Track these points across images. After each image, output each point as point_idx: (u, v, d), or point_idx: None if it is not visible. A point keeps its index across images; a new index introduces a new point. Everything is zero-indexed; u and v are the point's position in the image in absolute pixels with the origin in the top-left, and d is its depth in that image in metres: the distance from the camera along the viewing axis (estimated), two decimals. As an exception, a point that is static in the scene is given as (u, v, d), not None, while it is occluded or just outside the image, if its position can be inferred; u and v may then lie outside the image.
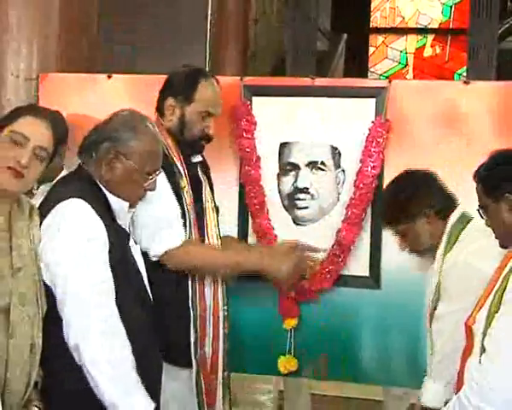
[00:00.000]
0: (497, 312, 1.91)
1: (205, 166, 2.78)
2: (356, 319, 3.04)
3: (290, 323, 3.05)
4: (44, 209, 2.13)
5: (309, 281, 3.01)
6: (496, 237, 2.13)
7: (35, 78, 3.34)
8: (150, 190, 2.30)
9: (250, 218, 3.07)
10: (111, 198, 2.22)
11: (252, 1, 8.34)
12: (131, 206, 2.30)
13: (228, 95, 3.00)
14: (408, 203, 2.52)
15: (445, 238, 2.48)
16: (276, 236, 3.05)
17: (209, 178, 2.78)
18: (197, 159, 2.71)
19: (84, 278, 2.05)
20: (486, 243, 2.21)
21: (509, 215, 2.04)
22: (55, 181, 2.39)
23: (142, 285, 2.27)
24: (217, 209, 2.74)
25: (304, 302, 3.05)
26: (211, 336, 2.59)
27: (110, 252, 2.11)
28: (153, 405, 2.07)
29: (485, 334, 1.93)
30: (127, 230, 2.30)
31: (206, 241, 2.63)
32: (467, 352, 2.03)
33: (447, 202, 2.55)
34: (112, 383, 2.01)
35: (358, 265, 3.03)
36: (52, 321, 2.05)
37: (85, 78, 3.31)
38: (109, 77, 3.26)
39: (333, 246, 3.01)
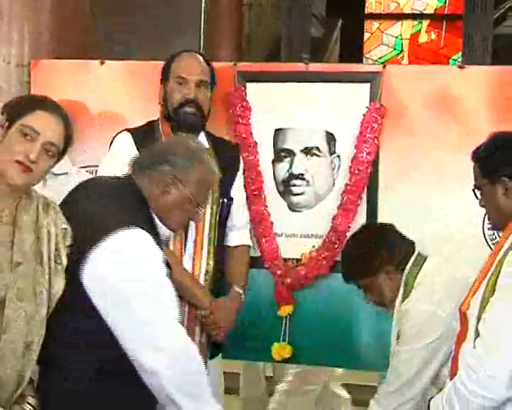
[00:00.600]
0: (491, 297, 1.90)
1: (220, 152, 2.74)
2: (351, 306, 3.04)
3: (286, 310, 3.05)
4: (95, 224, 2.03)
5: (305, 267, 3.01)
6: (488, 219, 2.14)
7: (26, 64, 3.32)
8: (193, 221, 2.33)
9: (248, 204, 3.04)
10: (158, 223, 2.16)
11: (246, -14, 8.30)
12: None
13: (222, 81, 2.99)
14: (368, 259, 2.53)
15: (401, 289, 2.50)
16: (271, 222, 3.04)
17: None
18: None
19: (157, 302, 1.99)
20: (438, 281, 2.33)
21: (504, 198, 2.04)
22: (93, 179, 2.36)
23: None
24: (225, 205, 2.75)
25: (299, 289, 3.04)
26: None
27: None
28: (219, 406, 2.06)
29: (479, 319, 1.92)
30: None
31: (188, 243, 2.65)
32: (461, 337, 2.02)
33: (406, 253, 2.53)
34: (184, 395, 1.96)
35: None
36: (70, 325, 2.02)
37: (78, 64, 3.28)
38: (102, 63, 3.23)
39: (328, 232, 3.00)
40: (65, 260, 2.07)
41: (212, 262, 2.68)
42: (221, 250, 2.75)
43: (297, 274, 3.02)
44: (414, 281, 2.47)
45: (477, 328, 1.92)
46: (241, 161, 2.89)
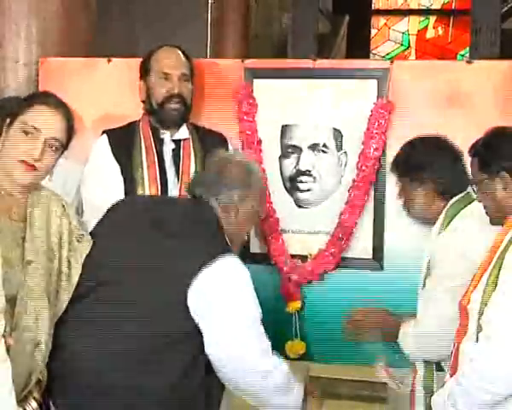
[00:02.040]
0: (493, 292, 1.90)
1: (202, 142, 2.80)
2: (359, 301, 3.03)
3: (294, 306, 3.05)
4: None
5: (312, 263, 3.01)
6: (486, 214, 2.12)
7: (35, 62, 3.33)
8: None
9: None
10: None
11: (253, -18, 8.29)
12: None
13: (229, 77, 3.01)
14: (410, 159, 2.53)
15: (441, 216, 2.46)
16: (278, 219, 3.04)
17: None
18: (165, 135, 2.75)
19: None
20: (478, 225, 2.21)
21: (503, 194, 2.03)
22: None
23: None
24: None
25: (307, 285, 3.04)
26: None
27: None
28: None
29: (480, 314, 1.92)
30: None
31: None
32: (461, 331, 2.01)
33: (458, 185, 2.50)
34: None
35: (361, 247, 3.02)
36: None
37: (85, 62, 3.29)
38: (109, 61, 3.24)
39: (335, 228, 3.00)
40: (76, 269, 2.08)
41: None
42: None
43: (304, 270, 3.02)
44: (456, 214, 2.44)
45: (479, 323, 1.91)
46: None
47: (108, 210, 2.29)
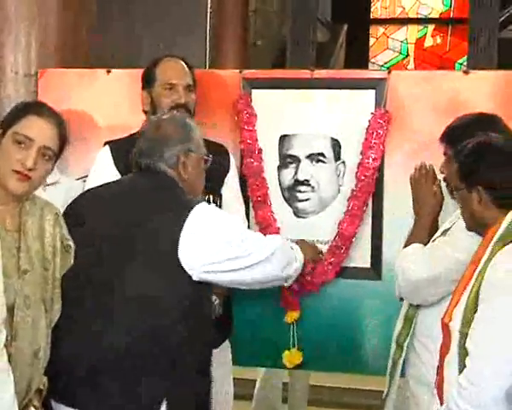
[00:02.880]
0: (474, 309, 1.88)
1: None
2: (358, 311, 3.04)
3: (292, 316, 3.05)
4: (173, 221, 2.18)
5: (311, 274, 3.01)
6: (464, 221, 2.13)
7: (34, 73, 3.34)
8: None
9: (252, 210, 3.05)
10: None
11: (251, -8, 8.32)
12: None
13: (227, 88, 3.03)
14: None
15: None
16: (278, 228, 3.05)
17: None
18: None
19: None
20: None
21: (478, 207, 2.03)
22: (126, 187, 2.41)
23: None
24: (211, 202, 2.76)
25: (305, 295, 3.04)
26: None
27: None
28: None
29: (461, 333, 1.90)
30: None
31: None
32: (444, 349, 1.99)
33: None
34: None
35: (360, 256, 3.03)
36: None
37: (84, 73, 3.30)
38: (108, 72, 3.25)
39: (334, 238, 3.00)
40: (59, 276, 2.10)
41: None
42: None
43: (303, 280, 3.02)
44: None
45: (461, 343, 1.89)
46: (233, 162, 2.91)
47: (69, 211, 2.30)
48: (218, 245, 2.20)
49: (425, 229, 2.54)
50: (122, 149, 2.69)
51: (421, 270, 2.39)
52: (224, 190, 2.82)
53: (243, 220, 2.91)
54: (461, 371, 1.89)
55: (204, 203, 2.28)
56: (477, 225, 2.07)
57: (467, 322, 1.89)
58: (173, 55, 2.86)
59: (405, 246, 2.54)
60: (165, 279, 2.13)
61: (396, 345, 2.57)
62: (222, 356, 2.80)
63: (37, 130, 2.00)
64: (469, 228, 2.13)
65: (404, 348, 2.52)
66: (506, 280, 1.85)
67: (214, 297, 2.68)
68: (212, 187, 2.76)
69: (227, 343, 2.86)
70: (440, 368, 2.02)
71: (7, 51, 3.37)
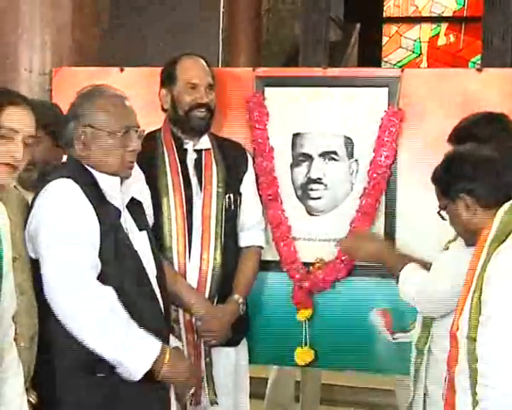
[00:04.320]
0: (479, 313, 1.86)
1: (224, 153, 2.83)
2: (370, 309, 3.04)
3: (304, 314, 3.05)
4: (37, 193, 2.18)
5: (324, 271, 3.02)
6: (461, 237, 2.17)
7: (48, 72, 3.36)
8: (136, 150, 2.29)
9: (264, 208, 3.05)
10: (99, 177, 2.23)
11: (264, -9, 8.33)
12: (123, 176, 2.29)
13: (240, 86, 3.03)
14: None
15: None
16: (290, 226, 3.05)
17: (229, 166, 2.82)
18: (188, 145, 2.77)
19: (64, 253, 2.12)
20: None
21: (467, 214, 2.07)
22: None
23: (137, 263, 2.26)
24: (232, 201, 2.77)
25: (317, 293, 3.05)
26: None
27: (101, 230, 2.16)
28: (158, 347, 2.14)
29: (469, 338, 1.87)
30: (120, 208, 2.28)
31: (195, 234, 2.69)
32: (452, 360, 1.96)
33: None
34: (104, 342, 2.09)
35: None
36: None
37: (98, 71, 3.31)
38: (122, 70, 3.26)
39: (347, 236, 3.00)
40: None
41: (219, 258, 2.71)
42: (232, 247, 2.78)
43: (315, 278, 3.02)
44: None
45: (470, 349, 1.86)
46: (250, 162, 2.93)
47: None
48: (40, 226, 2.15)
49: (395, 264, 2.59)
50: (142, 147, 2.69)
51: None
52: (243, 189, 2.85)
53: (261, 219, 2.93)
54: (473, 378, 1.86)
55: (61, 181, 2.18)
56: (472, 234, 2.08)
57: (473, 327, 1.87)
58: (193, 54, 2.87)
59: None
60: None
61: (416, 350, 2.55)
62: (241, 354, 2.83)
63: (20, 121, 1.99)
64: (468, 242, 2.15)
65: (425, 352, 2.50)
66: (505, 278, 1.84)
67: (237, 296, 2.71)
68: (232, 185, 2.79)
69: (244, 342, 2.89)
70: (449, 380, 1.99)
71: (21, 50, 3.39)
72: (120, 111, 2.28)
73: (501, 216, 1.95)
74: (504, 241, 1.90)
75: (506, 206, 1.97)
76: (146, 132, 2.79)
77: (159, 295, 2.31)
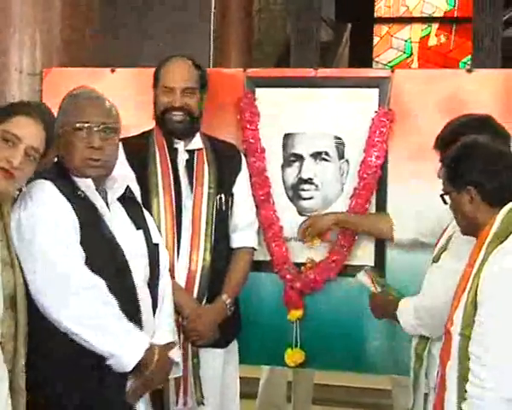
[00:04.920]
0: (473, 312, 1.87)
1: (216, 154, 2.82)
2: (362, 309, 3.04)
3: (295, 314, 3.05)
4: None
5: (315, 272, 3.02)
6: (458, 225, 2.13)
7: (38, 73, 3.35)
8: (94, 148, 2.29)
9: (256, 209, 3.04)
10: (77, 180, 2.28)
11: (255, -9, 8.33)
12: (99, 182, 2.32)
13: (231, 87, 3.04)
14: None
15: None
16: (281, 227, 3.05)
17: (222, 168, 2.81)
18: (179, 145, 2.77)
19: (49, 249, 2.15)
20: None
21: (470, 207, 2.03)
22: None
23: (118, 260, 2.27)
24: (224, 201, 2.77)
25: (309, 293, 3.05)
26: None
27: (80, 224, 2.20)
28: (147, 340, 2.19)
29: (461, 335, 1.89)
30: (98, 205, 2.30)
31: (184, 234, 2.69)
32: (445, 356, 1.98)
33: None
34: (98, 334, 2.12)
35: (363, 254, 3.03)
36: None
37: (89, 72, 3.30)
38: (113, 71, 3.26)
39: (338, 236, 3.01)
40: None
41: (208, 258, 2.69)
42: (223, 248, 2.77)
43: (306, 278, 3.03)
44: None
45: (461, 345, 1.88)
46: (244, 163, 2.91)
47: None
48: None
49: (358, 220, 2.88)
50: (134, 146, 2.72)
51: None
52: (236, 190, 2.83)
53: (254, 220, 2.93)
54: (461, 375, 1.88)
55: (39, 183, 2.21)
56: (471, 226, 2.06)
57: (466, 325, 1.88)
58: (181, 55, 2.85)
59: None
60: None
61: (415, 356, 2.55)
62: (230, 355, 2.82)
63: (26, 130, 2.02)
64: (464, 232, 2.13)
65: (424, 358, 2.50)
66: (503, 279, 1.85)
67: (225, 297, 2.71)
68: (224, 186, 2.78)
69: (235, 342, 2.88)
70: (441, 377, 2.00)
71: (12, 51, 3.38)
72: (74, 108, 2.33)
73: (503, 215, 1.96)
74: (503, 241, 1.91)
75: (508, 207, 1.98)
76: (140, 132, 2.81)
77: (146, 294, 2.33)
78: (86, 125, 2.28)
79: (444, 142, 2.45)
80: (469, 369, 1.86)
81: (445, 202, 2.15)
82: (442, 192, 2.15)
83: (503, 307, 1.84)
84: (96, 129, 2.29)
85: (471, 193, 2.02)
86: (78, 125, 2.28)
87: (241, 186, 2.87)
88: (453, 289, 2.11)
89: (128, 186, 2.45)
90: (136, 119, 2.96)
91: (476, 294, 1.88)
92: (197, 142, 2.80)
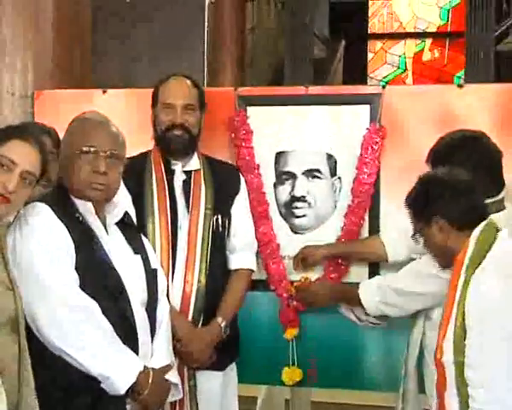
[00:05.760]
0: (463, 337, 1.88)
1: (214, 174, 2.81)
2: (357, 327, 3.03)
3: (291, 333, 3.05)
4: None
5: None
6: (435, 260, 2.20)
7: (30, 95, 3.36)
8: (98, 172, 2.27)
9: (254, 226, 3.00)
10: (77, 202, 2.27)
11: (248, 9, 8.36)
12: (99, 206, 2.30)
13: (223, 105, 3.04)
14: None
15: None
16: (278, 245, 3.05)
17: (219, 188, 2.79)
18: (176, 166, 2.76)
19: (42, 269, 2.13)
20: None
21: (441, 236, 2.11)
22: None
23: (115, 282, 2.25)
24: (220, 222, 2.76)
25: (304, 312, 3.04)
26: None
27: (75, 247, 2.18)
28: (141, 363, 2.18)
29: (456, 363, 1.89)
30: (96, 229, 2.28)
31: (179, 255, 2.68)
32: (440, 387, 1.98)
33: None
34: (90, 356, 2.11)
35: (358, 272, 3.02)
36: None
37: (80, 93, 3.32)
38: (104, 92, 3.27)
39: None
40: None
41: (203, 280, 2.67)
42: (219, 269, 2.75)
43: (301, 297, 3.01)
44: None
45: (457, 373, 1.88)
46: (243, 184, 2.89)
47: None
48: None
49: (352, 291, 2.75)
50: (130, 167, 2.64)
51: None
52: (234, 211, 2.81)
53: (252, 241, 2.91)
54: (462, 403, 1.88)
55: (33, 206, 2.20)
56: (446, 256, 2.12)
57: (459, 351, 1.88)
58: (179, 74, 2.85)
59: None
60: None
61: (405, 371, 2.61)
62: (228, 378, 2.80)
63: (22, 154, 2.02)
64: (442, 264, 2.20)
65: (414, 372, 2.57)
66: (488, 300, 1.86)
67: (220, 319, 2.69)
68: (221, 207, 2.76)
69: (233, 365, 2.86)
70: (441, 407, 2.00)
71: (3, 73, 3.39)
72: (81, 132, 2.31)
73: (476, 238, 1.98)
74: (481, 262, 1.92)
75: (480, 227, 2.00)
76: (137, 154, 2.80)
77: (143, 318, 2.31)
78: (93, 149, 2.27)
79: (437, 155, 2.48)
80: (468, 395, 1.86)
81: (417, 242, 2.22)
82: (412, 233, 2.23)
83: (492, 328, 1.84)
84: (102, 154, 2.27)
85: (439, 222, 2.10)
86: (85, 148, 2.26)
87: (240, 207, 2.84)
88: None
89: (126, 212, 2.44)
90: (128, 139, 2.95)
91: (464, 318, 1.89)
92: (195, 162, 2.79)
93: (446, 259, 2.13)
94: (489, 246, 1.94)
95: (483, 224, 2.01)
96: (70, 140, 2.31)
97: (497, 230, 1.97)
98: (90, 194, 2.27)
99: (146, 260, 2.40)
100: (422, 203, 2.15)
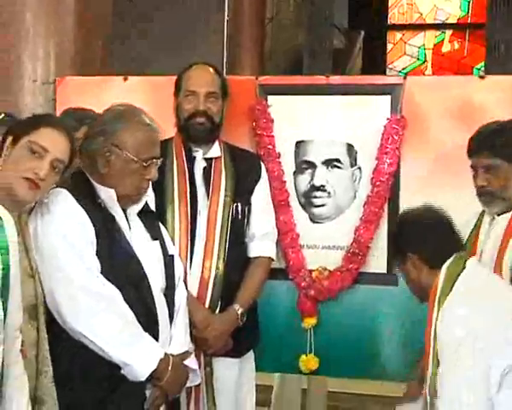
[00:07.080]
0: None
1: (234, 161, 2.82)
2: (374, 317, 3.04)
3: (309, 322, 3.06)
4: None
5: (329, 280, 3.01)
6: (414, 295, 2.29)
7: (52, 81, 3.38)
8: (151, 180, 2.32)
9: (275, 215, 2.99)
10: (98, 188, 2.26)
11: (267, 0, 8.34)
12: (135, 200, 2.32)
13: (243, 94, 3.04)
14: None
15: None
16: (298, 234, 3.04)
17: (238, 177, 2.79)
18: (197, 153, 2.77)
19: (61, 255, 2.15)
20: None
21: (415, 273, 2.21)
22: None
23: (135, 269, 2.27)
24: (240, 210, 2.76)
25: (322, 301, 3.04)
26: None
27: (96, 233, 2.19)
28: (162, 350, 2.22)
29: (430, 394, 2.00)
30: (116, 215, 2.28)
31: (198, 242, 2.68)
32: None
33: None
34: (111, 343, 2.13)
35: (376, 262, 3.03)
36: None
37: (102, 80, 3.33)
38: (125, 79, 3.28)
39: (351, 244, 3.00)
40: None
41: (221, 267, 2.68)
42: (237, 257, 2.75)
43: (321, 287, 3.02)
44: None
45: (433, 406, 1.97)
46: (264, 172, 2.89)
47: None
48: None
49: None
50: None
51: None
52: (254, 199, 2.81)
53: (273, 230, 2.90)
54: None
55: (58, 192, 2.20)
56: (422, 290, 2.22)
57: (435, 390, 1.97)
58: (203, 63, 2.86)
59: None
60: None
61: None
62: (245, 365, 2.81)
63: (53, 142, 2.04)
64: (419, 298, 2.27)
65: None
66: (452, 327, 1.98)
67: (237, 306, 2.69)
68: (241, 195, 2.77)
69: (251, 352, 2.86)
70: None
71: (25, 60, 3.41)
72: (149, 141, 2.31)
73: (444, 274, 2.12)
74: (448, 294, 2.06)
75: (448, 262, 2.14)
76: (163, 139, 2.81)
77: (163, 305, 2.32)
78: (155, 160, 2.31)
79: (476, 143, 2.49)
80: None
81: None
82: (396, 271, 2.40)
83: (457, 355, 1.94)
84: (156, 164, 2.32)
85: (413, 259, 2.20)
86: (149, 161, 2.28)
87: (260, 195, 2.84)
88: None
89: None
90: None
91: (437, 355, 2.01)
92: (216, 150, 2.80)
93: (421, 292, 2.23)
94: (457, 276, 2.08)
95: (453, 256, 2.13)
96: (136, 147, 2.26)
97: (466, 260, 2.12)
98: (136, 198, 2.32)
99: (163, 247, 2.42)
100: (397, 241, 2.32)
